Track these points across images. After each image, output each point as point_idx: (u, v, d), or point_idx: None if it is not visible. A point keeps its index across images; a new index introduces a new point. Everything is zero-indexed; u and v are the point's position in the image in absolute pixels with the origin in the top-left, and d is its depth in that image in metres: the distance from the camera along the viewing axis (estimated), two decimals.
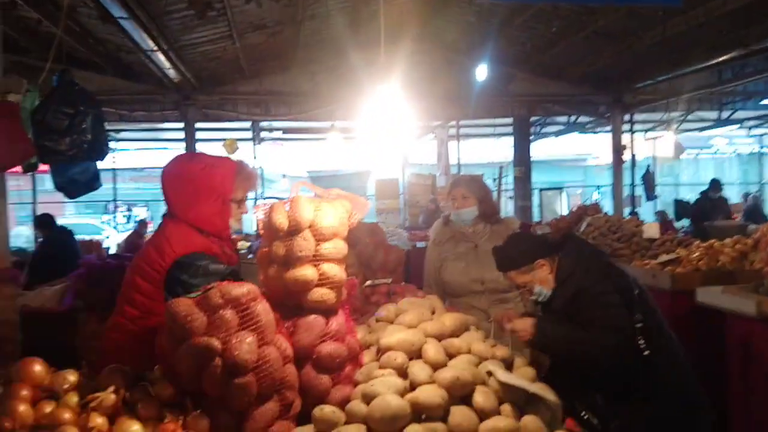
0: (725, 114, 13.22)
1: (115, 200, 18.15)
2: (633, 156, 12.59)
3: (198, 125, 10.55)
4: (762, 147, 19.59)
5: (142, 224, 12.47)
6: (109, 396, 1.80)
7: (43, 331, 3.82)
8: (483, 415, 1.98)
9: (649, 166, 14.88)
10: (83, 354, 3.94)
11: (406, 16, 8.03)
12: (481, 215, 3.78)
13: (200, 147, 11.51)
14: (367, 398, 1.95)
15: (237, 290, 1.89)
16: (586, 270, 2.75)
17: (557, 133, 15.02)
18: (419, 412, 1.93)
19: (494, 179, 12.06)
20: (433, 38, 9.52)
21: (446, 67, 10.01)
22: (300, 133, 13.30)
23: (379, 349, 2.23)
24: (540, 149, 15.83)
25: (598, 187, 20.40)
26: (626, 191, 12.57)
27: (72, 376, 1.88)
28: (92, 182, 3.56)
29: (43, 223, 8.29)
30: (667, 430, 2.65)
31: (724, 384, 3.91)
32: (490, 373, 2.13)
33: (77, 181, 3.47)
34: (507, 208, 13.60)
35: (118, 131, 13.81)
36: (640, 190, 13.68)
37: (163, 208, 2.68)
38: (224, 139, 10.43)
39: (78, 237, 8.89)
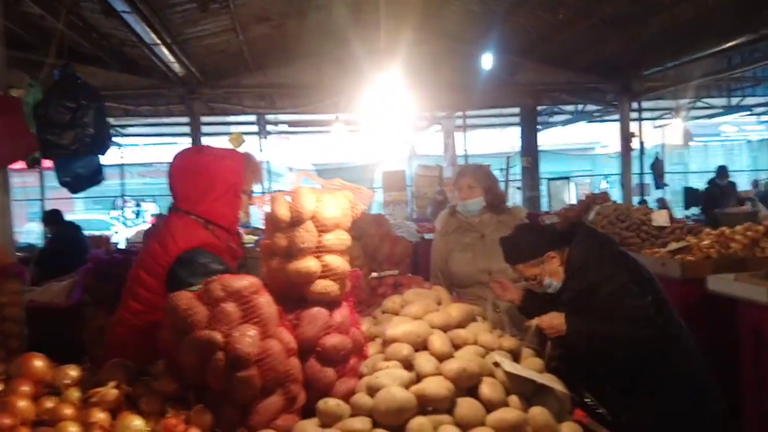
0: (734, 101, 13.10)
1: (123, 196, 18.20)
2: (641, 144, 12.49)
3: (204, 119, 10.55)
4: None
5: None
6: (110, 391, 1.78)
7: (50, 327, 3.81)
8: (490, 406, 1.95)
9: (657, 154, 14.79)
10: (91, 349, 3.96)
11: (409, 6, 7.96)
12: (488, 205, 3.74)
13: (206, 141, 11.50)
14: (372, 390, 1.93)
15: (238, 283, 1.87)
16: (599, 262, 2.71)
17: (564, 123, 14.93)
18: (425, 405, 1.90)
19: (501, 169, 12.00)
20: (436, 28, 9.44)
21: (451, 58, 9.94)
22: (305, 126, 13.27)
23: (385, 341, 2.21)
24: (547, 139, 15.76)
25: (607, 176, 20.28)
26: (635, 180, 12.47)
27: (74, 372, 1.87)
28: (96, 176, 3.54)
29: (51, 219, 8.32)
30: (677, 421, 2.61)
31: (736, 372, 3.88)
32: (497, 364, 2.10)
33: (81, 176, 3.45)
34: (515, 198, 13.54)
35: (124, 127, 13.88)
36: (648, 179, 13.58)
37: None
38: (230, 133, 10.43)
39: (87, 233, 8.92)
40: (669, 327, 2.65)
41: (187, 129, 10.58)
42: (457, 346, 2.17)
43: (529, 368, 2.17)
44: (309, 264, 2.07)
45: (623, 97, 10.80)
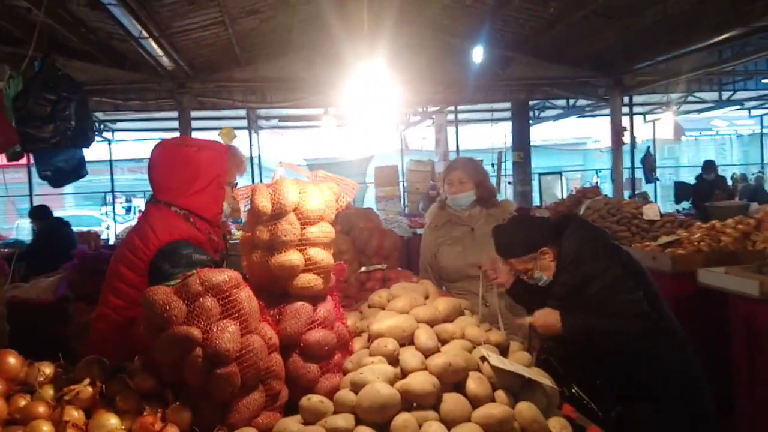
0: (725, 95, 13.10)
1: (113, 191, 18.07)
2: (633, 138, 12.44)
3: (194, 114, 10.44)
4: (763, 128, 19.38)
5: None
6: (85, 389, 1.72)
7: (33, 323, 3.75)
8: (476, 401, 1.91)
9: (648, 148, 14.79)
10: (75, 345, 3.90)
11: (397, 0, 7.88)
12: (478, 199, 3.70)
13: (196, 136, 11.42)
14: (356, 387, 1.88)
15: (217, 277, 1.82)
16: (594, 255, 2.66)
17: (556, 117, 14.90)
18: (410, 401, 1.86)
19: (493, 164, 11.96)
20: (427, 22, 9.37)
21: (442, 52, 9.87)
22: (297, 121, 13.19)
23: (370, 336, 2.16)
24: (539, 134, 15.73)
25: (598, 170, 20.29)
26: (626, 174, 12.46)
27: (47, 369, 1.81)
28: (78, 170, 3.47)
29: (38, 214, 8.25)
30: (668, 416, 2.58)
31: (728, 365, 3.86)
32: (483, 359, 2.06)
33: (62, 169, 3.38)
34: (507, 193, 13.52)
35: (114, 122, 13.77)
36: (640, 173, 13.57)
37: None
38: (220, 128, 10.34)
39: (76, 228, 8.83)
40: (662, 321, 2.62)
41: (177, 124, 10.47)
42: (444, 341, 2.13)
43: (517, 362, 2.12)
44: (292, 257, 2.02)
45: (615, 91, 10.76)
